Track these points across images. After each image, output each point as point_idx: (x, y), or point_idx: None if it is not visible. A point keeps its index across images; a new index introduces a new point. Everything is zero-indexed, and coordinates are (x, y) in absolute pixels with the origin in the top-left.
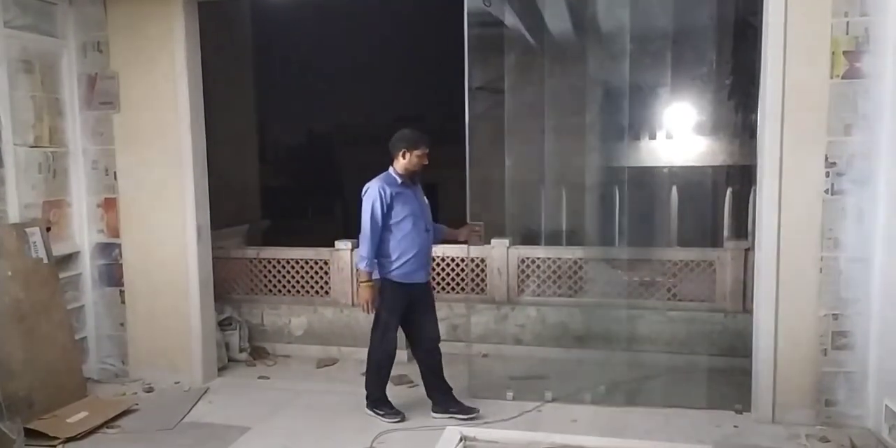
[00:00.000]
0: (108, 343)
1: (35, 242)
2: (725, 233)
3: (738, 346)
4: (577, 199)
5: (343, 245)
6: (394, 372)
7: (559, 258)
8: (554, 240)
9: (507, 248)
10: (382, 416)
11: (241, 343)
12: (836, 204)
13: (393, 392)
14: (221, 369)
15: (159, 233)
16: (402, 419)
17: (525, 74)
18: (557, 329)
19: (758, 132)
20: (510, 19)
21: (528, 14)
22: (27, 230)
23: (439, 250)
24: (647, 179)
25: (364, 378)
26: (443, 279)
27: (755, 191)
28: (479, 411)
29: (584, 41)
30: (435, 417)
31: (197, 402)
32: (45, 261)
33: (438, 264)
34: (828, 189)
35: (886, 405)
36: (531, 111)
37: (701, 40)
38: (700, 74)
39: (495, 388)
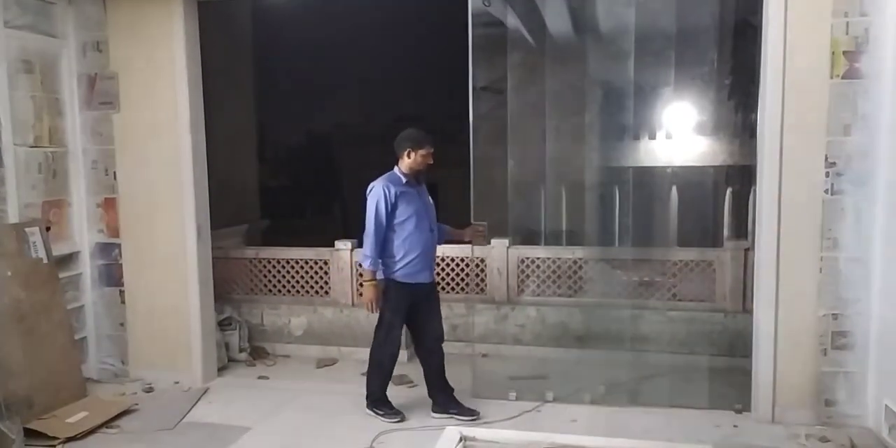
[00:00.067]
0: (108, 343)
1: (35, 242)
2: (725, 233)
3: (737, 346)
4: (577, 198)
5: (343, 245)
6: (394, 372)
7: (559, 258)
8: (554, 240)
9: (507, 247)
10: (382, 416)
11: (240, 343)
12: (835, 204)
13: (392, 392)
14: (221, 369)
15: (159, 233)
16: (402, 419)
17: (527, 74)
18: (557, 329)
19: (757, 132)
20: (510, 19)
21: (528, 14)
22: (27, 230)
23: (439, 250)
24: (647, 179)
25: (364, 378)
26: (442, 279)
27: (755, 191)
28: (479, 414)
29: (585, 41)
30: (435, 418)
31: (197, 402)
32: (45, 261)
33: (438, 264)
34: (827, 189)
35: (886, 405)
36: (533, 111)
37: (701, 40)
38: (700, 74)
39: (497, 389)
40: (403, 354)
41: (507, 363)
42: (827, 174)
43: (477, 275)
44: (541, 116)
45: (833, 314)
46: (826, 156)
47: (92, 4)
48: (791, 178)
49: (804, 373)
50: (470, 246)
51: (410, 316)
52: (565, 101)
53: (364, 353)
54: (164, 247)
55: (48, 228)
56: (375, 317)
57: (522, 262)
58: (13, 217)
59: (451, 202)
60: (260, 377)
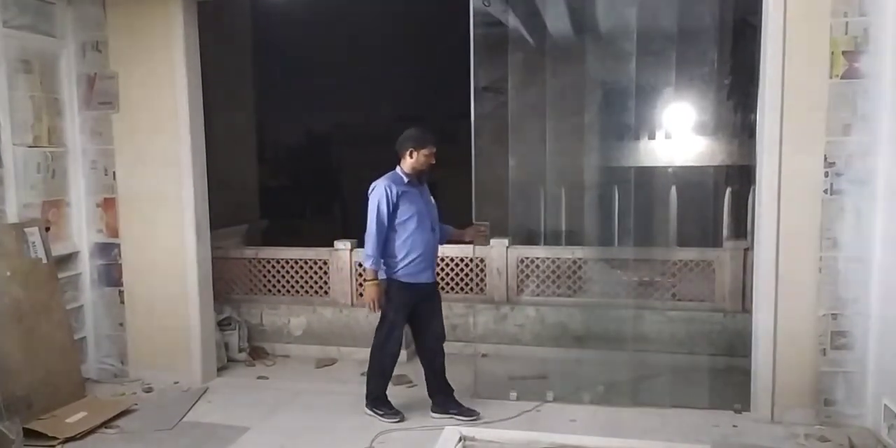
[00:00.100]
0: (107, 343)
1: (34, 242)
2: (724, 232)
3: (737, 346)
4: (577, 198)
5: (342, 245)
6: (393, 372)
7: (558, 258)
8: (553, 240)
9: (507, 247)
10: (381, 415)
11: (240, 343)
12: (834, 204)
13: (391, 392)
14: (221, 369)
15: (158, 233)
16: (402, 419)
17: (527, 74)
18: (556, 329)
19: (757, 132)
20: (510, 19)
21: (528, 14)
22: (26, 230)
23: (438, 250)
24: (647, 179)
25: (364, 378)
26: (442, 279)
27: (754, 190)
28: (478, 414)
29: (585, 42)
30: (434, 418)
31: (196, 402)
32: (44, 261)
33: (438, 264)
34: (827, 189)
35: (885, 404)
36: (534, 111)
37: (700, 40)
38: (700, 74)
39: (497, 389)
40: (403, 354)
41: (507, 363)
42: (826, 174)
43: (476, 275)
44: (541, 116)
45: (832, 314)
46: (825, 156)
47: (91, 4)
48: (790, 177)
49: (803, 372)
50: (470, 246)
51: (412, 316)
52: (565, 101)
53: (363, 353)
54: (164, 247)
55: (47, 228)
56: (375, 317)
57: (522, 261)
58: (12, 217)
59: (449, 202)
60: (259, 377)
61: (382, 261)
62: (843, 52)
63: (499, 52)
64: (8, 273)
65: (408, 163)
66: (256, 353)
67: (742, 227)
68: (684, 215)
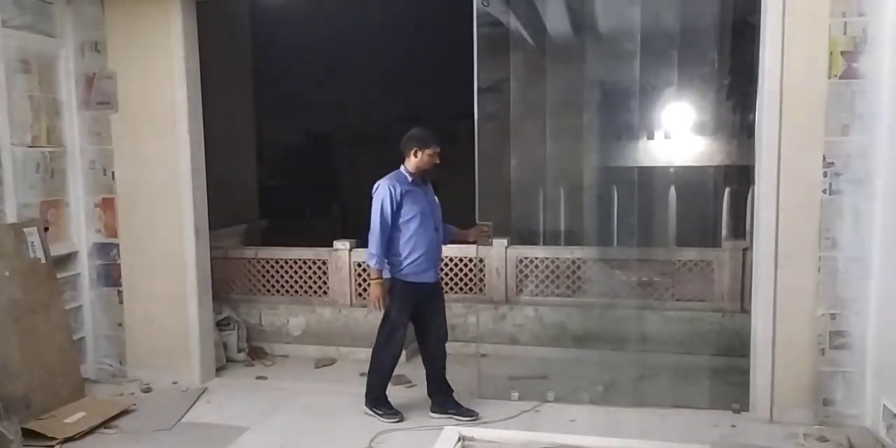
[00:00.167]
0: (106, 343)
1: (33, 242)
2: (723, 232)
3: (735, 346)
4: (576, 198)
5: (341, 245)
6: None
7: (557, 258)
8: (552, 239)
9: (506, 247)
10: (381, 415)
11: (239, 343)
12: (833, 204)
13: (391, 392)
14: (219, 369)
15: (157, 233)
16: (401, 419)
17: (527, 74)
18: (555, 329)
19: (756, 132)
20: (509, 19)
21: (528, 15)
22: (25, 230)
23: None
24: (646, 179)
25: (363, 378)
26: (441, 279)
27: (753, 191)
28: (477, 414)
29: (585, 42)
30: (433, 418)
31: (195, 402)
32: (43, 261)
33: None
34: (825, 189)
35: (884, 404)
36: (533, 111)
37: (699, 40)
38: (699, 74)
39: (496, 388)
40: (402, 354)
41: (506, 363)
42: (825, 174)
43: (476, 275)
44: (541, 116)
45: (831, 314)
46: (824, 156)
47: (90, 4)
48: (789, 177)
49: (802, 372)
50: (472, 246)
51: (414, 315)
52: (565, 101)
53: (362, 353)
54: (163, 247)
55: (46, 228)
56: (374, 317)
57: (521, 261)
58: (11, 217)
59: (448, 202)
60: (258, 377)
61: (386, 260)
62: (842, 53)
63: (499, 53)
64: (7, 273)
65: (412, 162)
66: (255, 354)
67: (741, 227)
68: (683, 215)
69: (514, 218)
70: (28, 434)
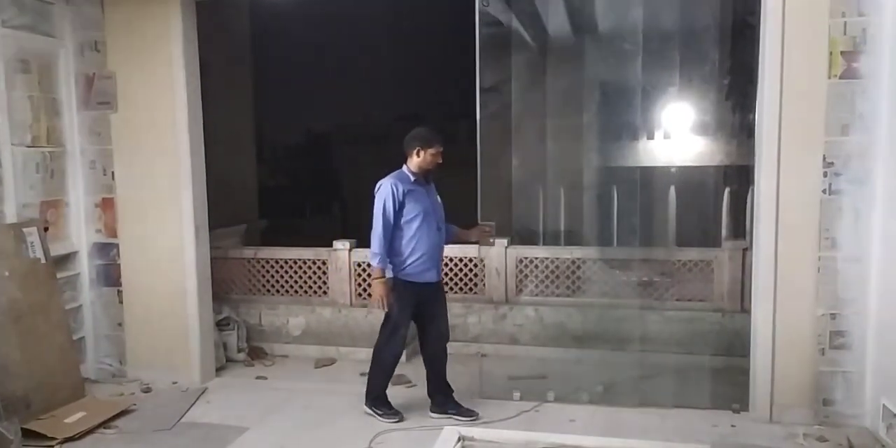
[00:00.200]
0: (106, 343)
1: (32, 242)
2: (723, 232)
3: (735, 346)
4: (576, 198)
5: (341, 245)
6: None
7: (557, 258)
8: (552, 239)
9: (506, 247)
10: (381, 415)
11: (238, 343)
12: (833, 204)
13: (391, 392)
14: (219, 369)
15: (157, 233)
16: (401, 419)
17: (528, 75)
18: (555, 329)
19: (755, 132)
20: (508, 19)
21: (528, 15)
22: (25, 230)
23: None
24: (646, 179)
25: (363, 378)
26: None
27: (753, 190)
28: (477, 414)
29: (585, 42)
30: (433, 418)
31: (195, 402)
32: (43, 261)
33: None
34: (825, 189)
35: (884, 404)
36: (534, 111)
37: (699, 40)
38: (699, 74)
39: (497, 388)
40: (402, 354)
41: (506, 363)
42: (825, 174)
43: (476, 274)
44: (541, 116)
45: (831, 314)
46: (824, 156)
47: (90, 4)
48: (789, 177)
49: (802, 372)
50: (472, 245)
51: (416, 315)
52: (565, 101)
53: (362, 353)
54: (163, 247)
55: (46, 228)
56: (374, 317)
57: (521, 261)
58: (11, 217)
59: (448, 202)
60: (258, 377)
61: (388, 259)
62: (842, 53)
63: (499, 53)
64: (6, 273)
65: (414, 162)
66: (255, 354)
67: (741, 227)
68: (683, 215)
69: (514, 218)
70: (28, 434)
